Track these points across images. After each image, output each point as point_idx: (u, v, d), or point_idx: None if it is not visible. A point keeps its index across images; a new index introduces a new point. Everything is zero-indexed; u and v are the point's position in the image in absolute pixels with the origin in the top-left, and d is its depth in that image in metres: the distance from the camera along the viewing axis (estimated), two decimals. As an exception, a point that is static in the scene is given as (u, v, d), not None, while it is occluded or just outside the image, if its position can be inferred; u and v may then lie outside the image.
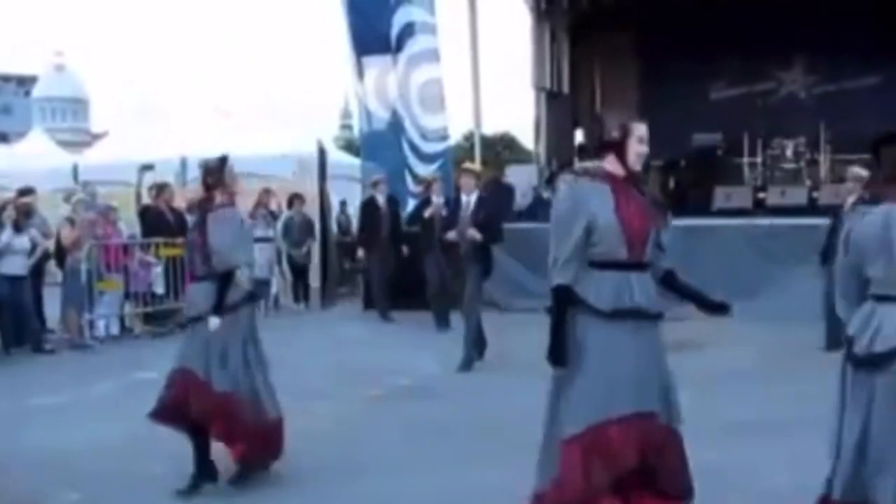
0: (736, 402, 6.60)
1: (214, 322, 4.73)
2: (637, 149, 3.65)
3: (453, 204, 8.70)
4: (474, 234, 8.06)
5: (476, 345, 8.16)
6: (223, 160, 4.95)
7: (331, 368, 8.29)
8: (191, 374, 4.79)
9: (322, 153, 13.94)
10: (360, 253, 11.92)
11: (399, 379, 7.70)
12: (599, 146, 3.77)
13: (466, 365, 8.01)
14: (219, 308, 4.75)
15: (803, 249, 10.68)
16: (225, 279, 4.79)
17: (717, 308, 3.94)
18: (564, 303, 3.55)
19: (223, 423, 4.78)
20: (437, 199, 9.86)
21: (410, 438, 5.84)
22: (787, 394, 6.85)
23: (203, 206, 4.94)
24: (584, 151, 15.97)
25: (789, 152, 13.87)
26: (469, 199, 8.35)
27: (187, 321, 5.06)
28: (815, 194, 13.10)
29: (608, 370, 3.50)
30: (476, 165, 9.02)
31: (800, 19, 14.50)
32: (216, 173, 4.89)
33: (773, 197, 12.94)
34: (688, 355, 7.32)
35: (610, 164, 3.67)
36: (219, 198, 4.90)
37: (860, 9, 13.98)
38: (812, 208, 12.78)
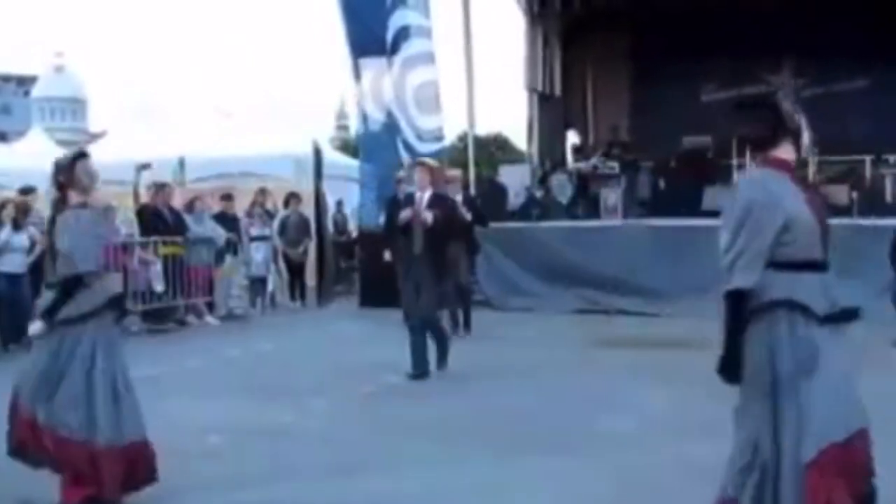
0: (723, 399, 6.59)
1: (34, 327, 4.34)
2: (806, 136, 3.31)
3: (407, 200, 8.15)
4: (427, 215, 7.56)
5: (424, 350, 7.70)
6: (76, 156, 4.51)
7: (326, 366, 8.26)
8: (19, 406, 4.41)
9: (318, 153, 13.92)
10: (387, 255, 11.21)
11: (394, 377, 7.66)
12: (776, 132, 3.26)
13: (424, 373, 7.59)
14: (50, 314, 4.29)
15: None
16: (67, 285, 4.31)
17: None
18: (743, 309, 3.12)
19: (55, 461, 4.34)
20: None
21: (404, 436, 5.80)
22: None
23: (56, 207, 4.52)
24: (579, 151, 16.01)
25: (778, 154, 13.86)
26: (422, 196, 7.76)
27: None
28: (802, 196, 13.10)
29: (839, 382, 3.13)
30: (432, 161, 8.70)
31: (789, 23, 14.51)
32: (67, 171, 4.43)
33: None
34: (676, 353, 7.33)
35: (785, 152, 3.26)
36: (74, 198, 4.43)
37: (849, 12, 13.99)
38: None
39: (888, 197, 13.10)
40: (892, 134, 14.06)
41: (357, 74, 12.72)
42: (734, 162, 14.48)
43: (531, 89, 15.60)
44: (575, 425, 5.58)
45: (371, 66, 12.58)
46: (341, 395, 7.04)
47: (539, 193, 14.29)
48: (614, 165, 14.25)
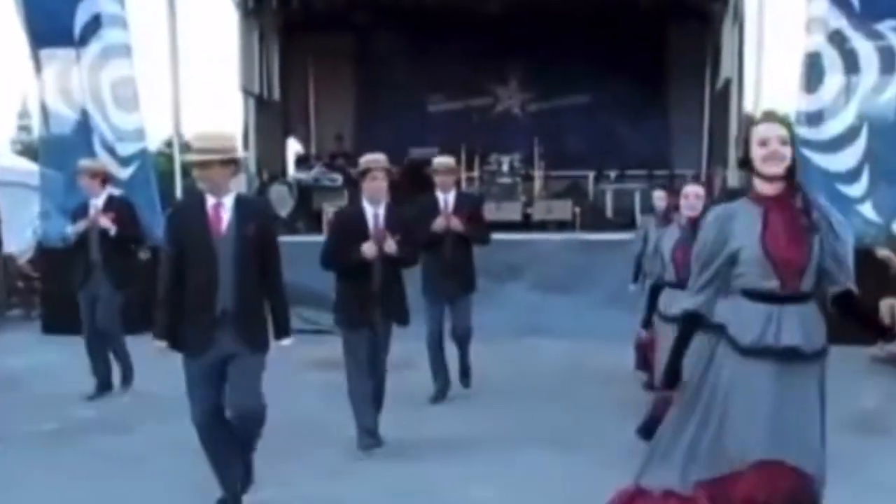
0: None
1: None
2: (759, 153, 3.53)
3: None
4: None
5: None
6: None
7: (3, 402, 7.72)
8: None
9: (-14, 157, 13.02)
10: None
11: (84, 410, 7.35)
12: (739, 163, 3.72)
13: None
14: None
15: (519, 264, 11.50)
16: None
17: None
18: (688, 328, 3.68)
19: None
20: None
21: (104, 478, 5.63)
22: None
23: None
24: (302, 161, 16.07)
25: (505, 167, 14.77)
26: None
27: None
28: (529, 210, 14.10)
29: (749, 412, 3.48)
30: (446, 161, 8.14)
31: (514, 34, 15.56)
32: None
33: (488, 212, 13.68)
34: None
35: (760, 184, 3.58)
36: None
37: (571, 27, 15.25)
38: (526, 224, 13.76)
39: (609, 212, 14.41)
40: (611, 150, 15.52)
41: (38, 67, 12.04)
42: (463, 175, 15.27)
43: (246, 91, 15.48)
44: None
45: (56, 57, 11.95)
46: (18, 434, 6.68)
47: (256, 206, 14.18)
48: (337, 177, 14.51)
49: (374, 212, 6.11)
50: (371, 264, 6.01)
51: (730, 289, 3.58)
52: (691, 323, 3.64)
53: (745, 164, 3.58)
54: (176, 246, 4.73)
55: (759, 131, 3.51)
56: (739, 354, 3.48)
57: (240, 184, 15.13)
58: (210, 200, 4.70)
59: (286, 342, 4.99)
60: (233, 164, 4.76)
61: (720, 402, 3.54)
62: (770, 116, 3.63)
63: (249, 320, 4.75)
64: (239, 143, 4.95)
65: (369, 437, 6.09)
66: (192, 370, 4.71)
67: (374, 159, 6.16)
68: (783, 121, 3.64)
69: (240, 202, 4.79)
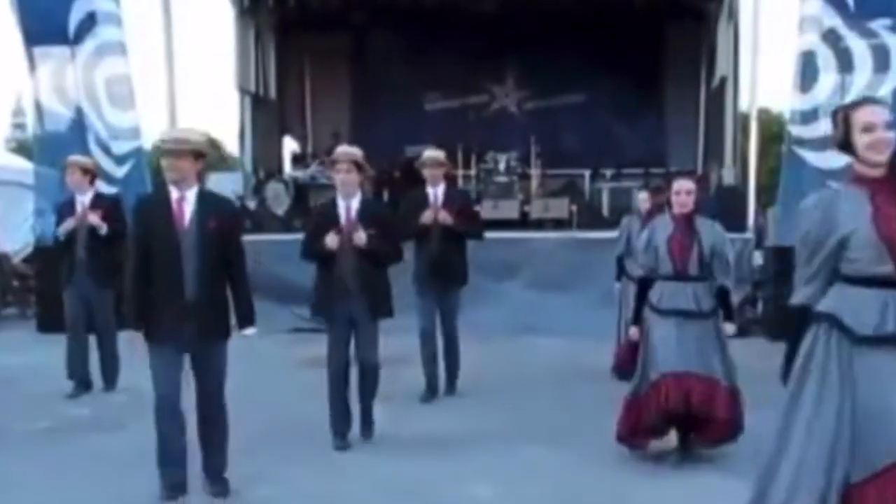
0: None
1: None
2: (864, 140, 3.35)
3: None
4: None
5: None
6: None
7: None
8: None
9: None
10: None
11: (77, 409, 7.33)
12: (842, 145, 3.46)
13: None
14: None
15: (516, 262, 11.52)
16: None
17: None
18: (800, 322, 3.49)
19: None
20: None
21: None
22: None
23: None
24: (298, 160, 16.10)
25: (502, 166, 14.80)
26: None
27: None
28: (526, 208, 14.12)
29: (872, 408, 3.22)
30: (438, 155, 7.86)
31: (511, 33, 15.62)
32: None
33: (485, 210, 13.74)
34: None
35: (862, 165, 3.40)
36: None
37: (566, 27, 15.29)
38: (523, 222, 13.78)
39: (605, 211, 14.43)
40: (607, 148, 15.55)
41: (32, 65, 12.03)
42: (459, 173, 15.31)
43: (242, 90, 15.50)
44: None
45: (50, 55, 11.96)
46: (13, 433, 6.67)
47: (252, 203, 14.24)
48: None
49: (346, 205, 6.05)
50: (337, 256, 5.96)
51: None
52: (803, 317, 3.46)
53: (845, 147, 3.43)
54: (141, 238, 4.91)
55: (862, 116, 3.37)
56: (860, 345, 3.28)
57: (236, 182, 15.22)
58: (174, 194, 4.85)
59: (249, 332, 5.11)
60: (202, 157, 4.91)
61: (863, 396, 3.27)
62: (872, 99, 3.55)
63: (212, 312, 4.89)
64: (206, 143, 5.01)
65: (339, 440, 6.13)
66: (156, 359, 4.86)
67: (344, 151, 6.14)
68: (883, 102, 3.56)
69: (202, 197, 4.93)
